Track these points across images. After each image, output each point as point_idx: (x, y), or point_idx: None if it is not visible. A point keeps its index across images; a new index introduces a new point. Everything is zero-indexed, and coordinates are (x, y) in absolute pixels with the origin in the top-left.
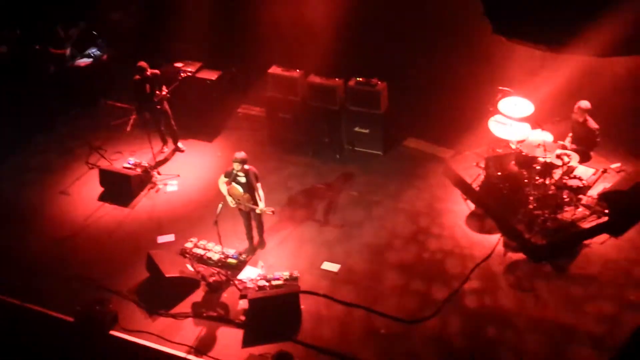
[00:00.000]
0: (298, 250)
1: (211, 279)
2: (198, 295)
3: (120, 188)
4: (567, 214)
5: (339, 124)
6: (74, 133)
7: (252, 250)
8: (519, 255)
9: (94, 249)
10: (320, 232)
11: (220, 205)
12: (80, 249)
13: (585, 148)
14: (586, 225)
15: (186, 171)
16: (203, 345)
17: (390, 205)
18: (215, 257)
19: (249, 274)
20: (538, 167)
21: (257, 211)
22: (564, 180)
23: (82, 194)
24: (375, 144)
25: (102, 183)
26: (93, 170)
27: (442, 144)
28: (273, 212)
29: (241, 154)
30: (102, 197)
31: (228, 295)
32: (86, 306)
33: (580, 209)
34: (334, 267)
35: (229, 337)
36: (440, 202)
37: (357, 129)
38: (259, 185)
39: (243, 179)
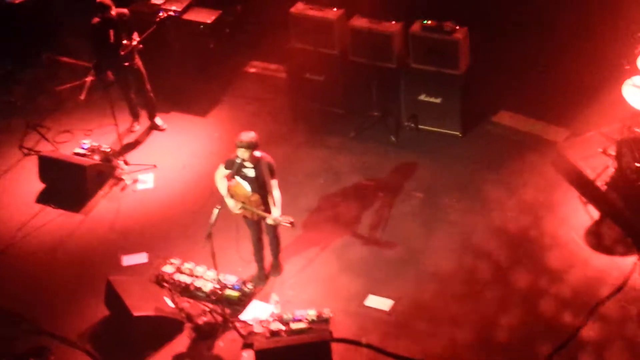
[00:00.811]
0: (330, 279)
1: (201, 320)
2: (181, 344)
3: (70, 184)
4: None
5: (397, 90)
6: (1, 103)
7: (262, 277)
8: None
9: (30, 274)
10: (364, 252)
11: (216, 211)
12: (9, 273)
13: None
14: None
15: (166, 160)
16: None
17: (470, 212)
18: (208, 287)
19: (257, 313)
20: None
21: (270, 221)
22: None
23: (13, 193)
24: (451, 121)
25: (42, 177)
26: (29, 158)
27: (550, 121)
28: (292, 223)
29: (249, 135)
30: (43, 198)
31: (225, 345)
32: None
33: None
34: (383, 303)
35: None
36: (547, 207)
37: (423, 97)
38: (274, 182)
39: (251, 172)
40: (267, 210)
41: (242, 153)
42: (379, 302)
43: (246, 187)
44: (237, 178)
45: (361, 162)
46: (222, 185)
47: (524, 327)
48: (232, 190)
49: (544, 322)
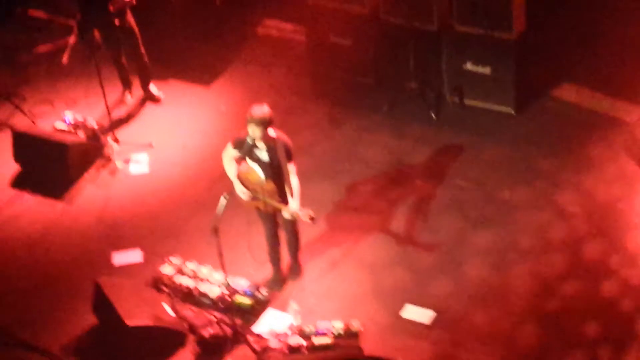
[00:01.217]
0: (360, 285)
1: (206, 332)
2: None
3: (49, 166)
4: None
5: (438, 58)
6: None
7: (278, 281)
8: None
9: (2, 275)
10: (400, 253)
11: (223, 200)
12: None
13: None
14: None
15: (164, 138)
16: None
17: (527, 207)
18: (215, 292)
19: (273, 325)
20: None
21: (286, 214)
22: None
23: None
24: (502, 95)
25: (17, 156)
26: (1, 134)
27: (621, 97)
28: (313, 218)
29: (262, 109)
30: (17, 182)
31: None
32: None
33: None
34: (423, 315)
35: None
36: (621, 203)
37: (469, 66)
38: (292, 167)
39: (265, 155)
40: (284, 201)
41: (254, 130)
42: (418, 314)
43: (259, 172)
44: (249, 162)
45: (394, 144)
46: (230, 168)
47: (578, 301)
48: (242, 176)
49: (601, 302)
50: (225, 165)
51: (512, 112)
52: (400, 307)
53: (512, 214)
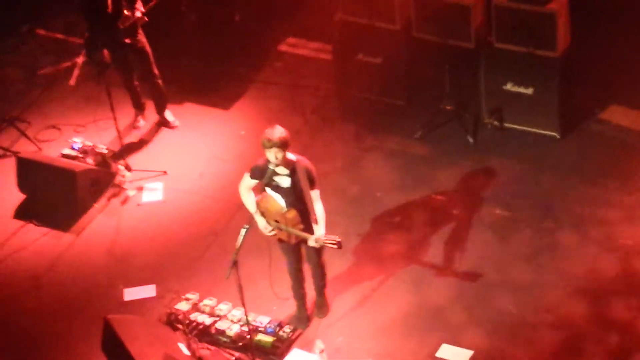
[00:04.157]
0: (391, 322)
1: None
2: None
3: (56, 195)
4: None
5: (476, 78)
6: None
7: (303, 319)
8: None
9: (6, 311)
10: (435, 287)
11: (243, 232)
12: None
13: None
14: None
15: (179, 165)
16: None
17: (573, 239)
18: (234, 330)
19: None
20: None
21: (312, 243)
22: None
23: None
24: (545, 117)
25: (21, 185)
26: (5, 161)
27: None
28: (340, 244)
29: (279, 132)
30: (22, 213)
31: None
32: None
33: None
34: (460, 355)
35: None
36: None
37: (509, 86)
38: (315, 193)
39: (286, 181)
40: (308, 229)
41: (273, 155)
42: (456, 354)
43: (279, 201)
44: (268, 190)
45: (429, 170)
46: (249, 200)
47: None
48: (261, 206)
49: None
50: (243, 198)
51: (557, 135)
52: (436, 347)
53: (557, 245)
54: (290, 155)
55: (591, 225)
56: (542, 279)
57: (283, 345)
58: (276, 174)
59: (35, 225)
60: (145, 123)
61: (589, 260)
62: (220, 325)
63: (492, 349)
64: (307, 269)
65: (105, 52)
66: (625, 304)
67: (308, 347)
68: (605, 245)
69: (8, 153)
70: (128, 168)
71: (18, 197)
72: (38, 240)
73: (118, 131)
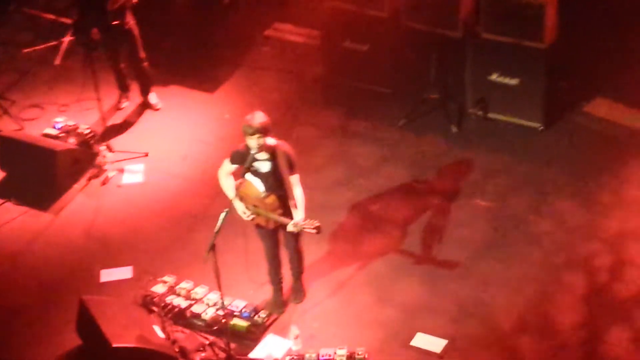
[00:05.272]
0: (366, 309)
1: (199, 356)
2: None
3: (36, 174)
4: None
5: (462, 67)
6: None
7: (279, 304)
8: None
9: None
10: (411, 276)
11: (222, 216)
12: None
13: None
14: None
15: (162, 147)
16: None
17: (554, 229)
18: (209, 313)
19: (272, 350)
20: None
21: (290, 227)
22: None
23: None
24: (530, 109)
25: (2, 163)
26: None
27: None
28: (319, 228)
29: (259, 118)
30: (2, 191)
31: None
32: None
33: None
34: (434, 344)
35: None
36: None
37: (495, 77)
38: (295, 178)
39: (265, 166)
40: (286, 214)
41: (253, 140)
42: (429, 342)
43: (258, 186)
44: (247, 175)
45: (412, 159)
46: (228, 185)
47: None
48: (240, 191)
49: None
50: (222, 183)
51: (540, 127)
52: (411, 334)
53: (537, 235)
54: (271, 140)
55: (572, 217)
56: (522, 270)
57: (258, 330)
58: (256, 159)
59: (14, 203)
60: (129, 105)
61: (571, 250)
62: (196, 308)
63: (466, 337)
64: (285, 255)
65: (93, 32)
66: (607, 288)
67: (283, 332)
68: (587, 236)
69: None
70: (110, 149)
71: None
72: (16, 219)
73: (101, 112)
